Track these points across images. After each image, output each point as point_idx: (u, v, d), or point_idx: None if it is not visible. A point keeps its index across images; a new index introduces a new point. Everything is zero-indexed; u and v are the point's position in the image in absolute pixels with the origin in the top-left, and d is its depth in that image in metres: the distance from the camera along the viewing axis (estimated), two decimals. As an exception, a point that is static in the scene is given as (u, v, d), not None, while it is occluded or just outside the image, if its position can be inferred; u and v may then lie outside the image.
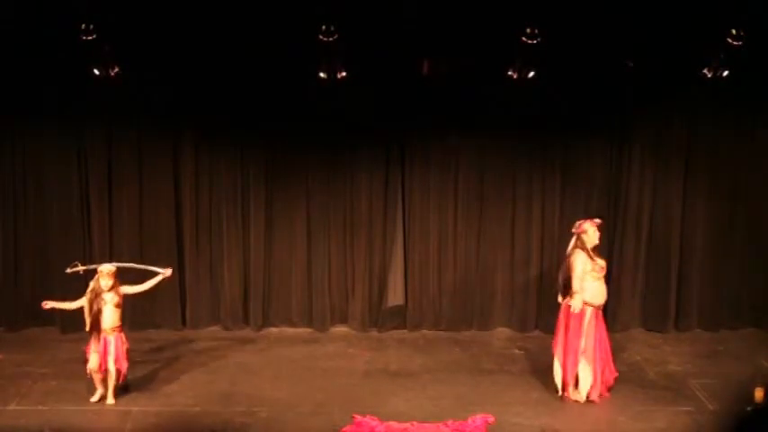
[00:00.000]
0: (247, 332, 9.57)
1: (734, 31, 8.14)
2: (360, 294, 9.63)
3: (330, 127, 9.31)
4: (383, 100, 9.22)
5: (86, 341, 7.59)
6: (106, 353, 7.48)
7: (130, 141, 9.32)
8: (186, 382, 8.05)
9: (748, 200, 9.64)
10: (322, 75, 8.60)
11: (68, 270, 7.87)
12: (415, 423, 7.11)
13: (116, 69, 8.52)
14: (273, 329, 9.68)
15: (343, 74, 8.64)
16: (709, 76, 8.70)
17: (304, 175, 9.50)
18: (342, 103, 9.14)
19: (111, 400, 7.55)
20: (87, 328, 7.51)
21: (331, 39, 8.06)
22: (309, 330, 9.65)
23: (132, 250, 9.37)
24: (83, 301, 7.54)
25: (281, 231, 9.61)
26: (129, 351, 7.67)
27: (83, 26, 7.93)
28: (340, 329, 9.71)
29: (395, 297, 9.73)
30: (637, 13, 8.30)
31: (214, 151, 9.43)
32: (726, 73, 8.65)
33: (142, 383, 7.94)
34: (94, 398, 7.59)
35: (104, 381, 7.55)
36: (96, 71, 8.48)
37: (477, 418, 7.21)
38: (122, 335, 7.60)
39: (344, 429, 7.07)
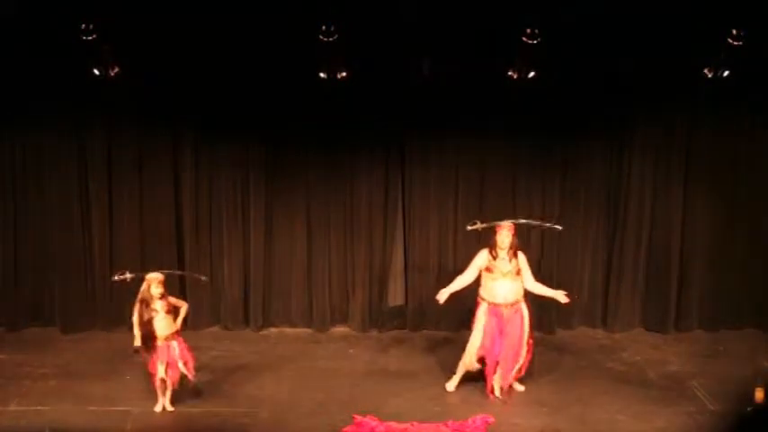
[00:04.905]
0: (247, 332, 9.57)
1: (734, 31, 8.15)
2: (360, 294, 9.63)
3: (330, 127, 9.31)
4: (383, 100, 9.21)
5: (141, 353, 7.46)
6: (171, 359, 7.35)
7: (130, 141, 9.31)
8: (186, 382, 8.04)
9: (748, 200, 9.63)
10: (322, 75, 8.61)
11: (116, 278, 7.64)
12: (415, 423, 7.12)
13: (116, 69, 8.51)
14: (273, 329, 9.69)
15: (344, 74, 8.64)
16: (710, 76, 8.70)
17: (304, 175, 9.49)
18: (342, 103, 9.13)
19: (169, 407, 7.45)
20: (138, 342, 7.30)
21: (331, 39, 8.06)
22: (309, 330, 9.65)
23: (132, 250, 9.38)
24: (135, 316, 7.36)
25: (281, 231, 9.61)
26: (191, 350, 7.56)
27: (83, 26, 7.94)
28: (340, 329, 9.71)
29: (395, 297, 9.73)
30: (637, 12, 8.31)
31: (214, 151, 9.43)
32: (726, 73, 8.65)
33: (142, 384, 7.92)
34: (158, 407, 7.46)
35: (173, 389, 7.46)
36: (96, 71, 8.48)
37: (477, 419, 7.22)
38: (182, 338, 7.47)
39: (344, 429, 7.07)
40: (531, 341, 7.89)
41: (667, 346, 9.31)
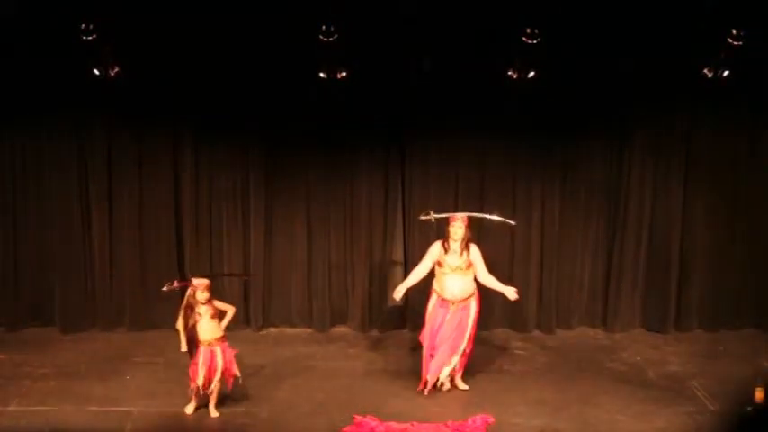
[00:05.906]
0: (247, 332, 9.57)
1: (734, 31, 8.15)
2: (360, 294, 9.63)
3: (330, 127, 9.31)
4: (383, 100, 9.21)
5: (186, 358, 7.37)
6: (213, 365, 7.23)
7: (130, 141, 9.31)
8: (186, 383, 8.02)
9: (748, 200, 9.63)
10: (322, 75, 8.61)
11: (165, 288, 7.49)
12: (415, 423, 7.11)
13: (116, 69, 8.52)
14: (273, 329, 9.69)
15: (343, 74, 8.64)
16: (710, 76, 8.71)
17: (304, 175, 9.49)
18: (342, 103, 9.13)
19: (214, 413, 7.33)
20: (184, 348, 7.24)
21: (331, 39, 8.07)
22: (309, 330, 9.65)
23: (132, 251, 9.39)
24: (179, 321, 7.29)
25: (280, 231, 9.61)
26: (234, 358, 7.42)
27: (83, 26, 7.94)
28: (340, 329, 9.71)
29: (395, 297, 9.71)
30: (636, 12, 8.31)
31: (214, 151, 9.42)
32: (726, 73, 8.65)
33: (142, 384, 7.93)
34: (190, 410, 7.37)
35: (203, 394, 7.28)
36: (96, 71, 8.49)
37: (477, 419, 7.21)
38: (227, 343, 7.34)
39: (344, 429, 7.07)
40: (471, 343, 7.87)
41: (667, 346, 9.31)
